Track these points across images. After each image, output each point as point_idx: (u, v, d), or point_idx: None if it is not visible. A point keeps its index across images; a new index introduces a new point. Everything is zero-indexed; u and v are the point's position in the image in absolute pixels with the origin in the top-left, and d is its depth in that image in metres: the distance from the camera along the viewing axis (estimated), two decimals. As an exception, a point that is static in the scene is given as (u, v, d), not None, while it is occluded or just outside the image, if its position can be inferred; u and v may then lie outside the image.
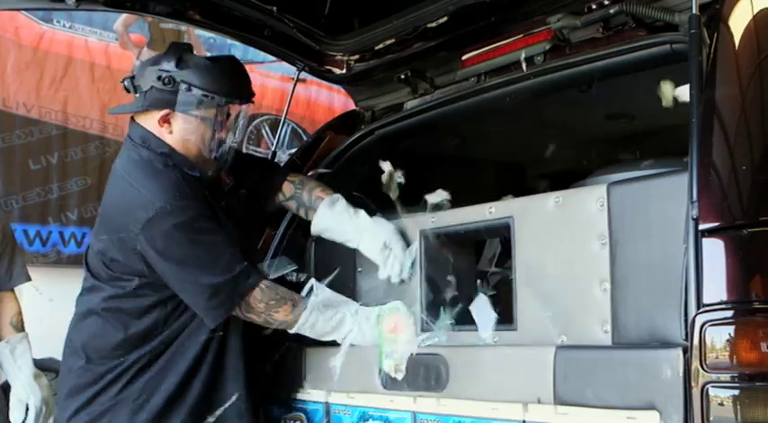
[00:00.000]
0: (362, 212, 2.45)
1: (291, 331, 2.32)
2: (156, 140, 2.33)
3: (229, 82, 2.33)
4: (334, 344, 2.31)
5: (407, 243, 2.38)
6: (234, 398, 2.35)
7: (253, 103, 2.42)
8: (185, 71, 2.28)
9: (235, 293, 2.23)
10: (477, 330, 2.15)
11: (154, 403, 2.29)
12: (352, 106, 3.15)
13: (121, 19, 5.18)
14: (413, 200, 2.52)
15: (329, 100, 5.82)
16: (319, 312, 2.29)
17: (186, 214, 2.22)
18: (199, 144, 2.33)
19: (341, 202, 2.48)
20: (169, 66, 2.29)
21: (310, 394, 2.45)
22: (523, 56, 2.38)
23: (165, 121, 2.31)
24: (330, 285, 2.33)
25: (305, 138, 5.55)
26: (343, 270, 2.51)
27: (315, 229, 2.51)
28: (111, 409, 2.31)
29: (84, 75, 5.04)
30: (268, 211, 2.67)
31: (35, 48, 4.95)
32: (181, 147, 2.33)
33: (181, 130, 2.32)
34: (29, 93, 4.92)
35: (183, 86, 2.27)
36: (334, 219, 2.47)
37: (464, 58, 2.60)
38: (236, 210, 2.42)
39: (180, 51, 2.33)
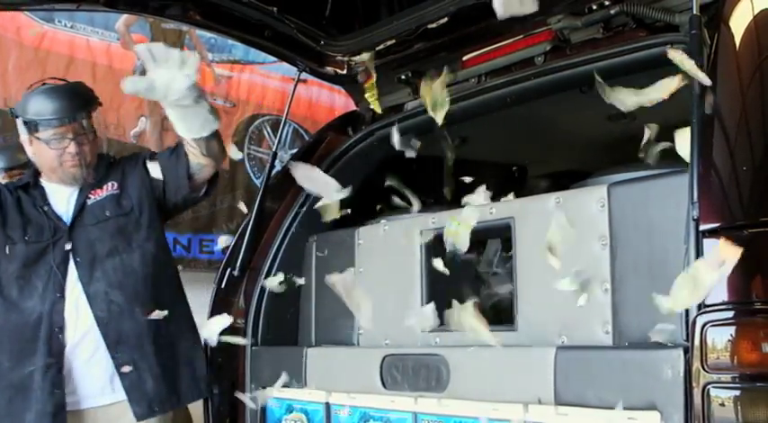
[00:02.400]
0: None
1: None
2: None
3: (38, 106, 2.64)
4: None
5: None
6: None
7: (70, 123, 2.63)
8: (17, 103, 2.71)
9: None
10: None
11: None
12: (353, 107, 3.16)
13: (123, 19, 5.18)
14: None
15: (330, 100, 5.82)
16: None
17: None
18: (41, 161, 2.69)
19: None
20: None
21: (311, 394, 2.45)
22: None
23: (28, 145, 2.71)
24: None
25: (306, 138, 5.55)
26: (343, 270, 2.51)
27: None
28: None
29: (86, 75, 5.03)
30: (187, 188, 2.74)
31: (36, 48, 4.95)
32: (37, 165, 2.73)
33: (29, 152, 2.72)
34: (30, 93, 4.92)
35: (16, 116, 2.70)
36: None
37: (465, 58, 2.60)
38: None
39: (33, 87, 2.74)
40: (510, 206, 2.18)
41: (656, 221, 1.80)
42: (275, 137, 5.64)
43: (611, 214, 1.89)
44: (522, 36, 2.42)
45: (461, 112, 2.60)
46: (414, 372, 2.16)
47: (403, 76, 2.77)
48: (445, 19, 2.52)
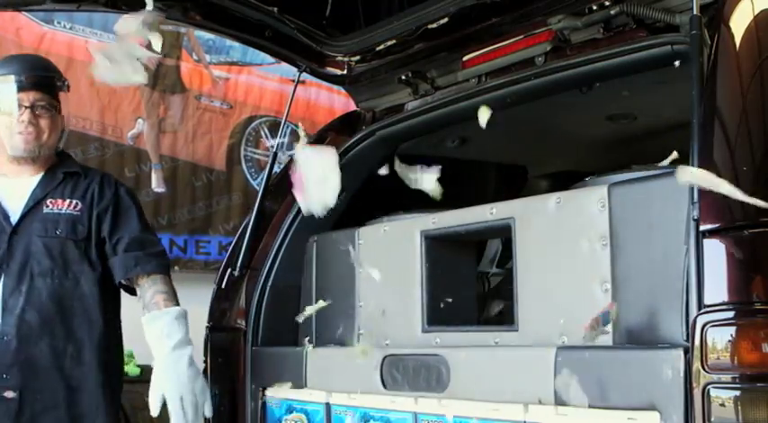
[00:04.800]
0: (169, 344, 2.41)
1: None
2: None
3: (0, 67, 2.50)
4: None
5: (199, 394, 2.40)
6: None
7: (29, 88, 2.47)
8: None
9: None
10: (477, 331, 2.16)
11: None
12: (352, 107, 3.16)
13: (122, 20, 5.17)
14: (412, 201, 2.53)
15: (329, 101, 5.83)
16: None
17: None
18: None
19: (159, 322, 2.45)
20: None
21: (311, 395, 2.45)
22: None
23: None
24: (330, 285, 2.33)
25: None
26: (343, 271, 2.52)
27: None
28: None
29: (85, 76, 5.03)
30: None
31: (36, 49, 4.95)
32: None
33: None
34: (29, 94, 4.92)
35: None
36: (148, 334, 2.48)
37: (465, 58, 2.60)
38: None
39: None
40: (510, 206, 2.18)
41: (657, 221, 1.80)
42: (272, 138, 5.65)
43: (611, 214, 1.89)
44: (522, 36, 2.41)
45: (461, 112, 2.60)
46: (414, 372, 2.15)
47: (403, 77, 2.77)
48: (445, 19, 2.52)
